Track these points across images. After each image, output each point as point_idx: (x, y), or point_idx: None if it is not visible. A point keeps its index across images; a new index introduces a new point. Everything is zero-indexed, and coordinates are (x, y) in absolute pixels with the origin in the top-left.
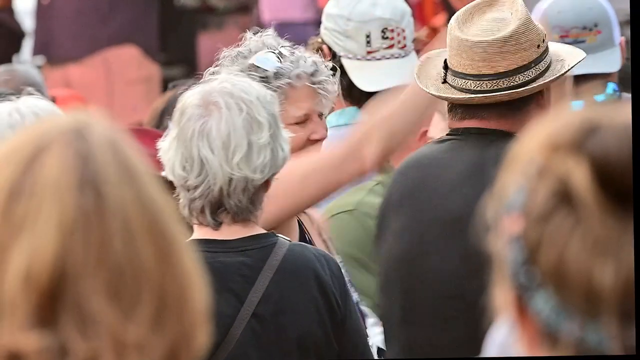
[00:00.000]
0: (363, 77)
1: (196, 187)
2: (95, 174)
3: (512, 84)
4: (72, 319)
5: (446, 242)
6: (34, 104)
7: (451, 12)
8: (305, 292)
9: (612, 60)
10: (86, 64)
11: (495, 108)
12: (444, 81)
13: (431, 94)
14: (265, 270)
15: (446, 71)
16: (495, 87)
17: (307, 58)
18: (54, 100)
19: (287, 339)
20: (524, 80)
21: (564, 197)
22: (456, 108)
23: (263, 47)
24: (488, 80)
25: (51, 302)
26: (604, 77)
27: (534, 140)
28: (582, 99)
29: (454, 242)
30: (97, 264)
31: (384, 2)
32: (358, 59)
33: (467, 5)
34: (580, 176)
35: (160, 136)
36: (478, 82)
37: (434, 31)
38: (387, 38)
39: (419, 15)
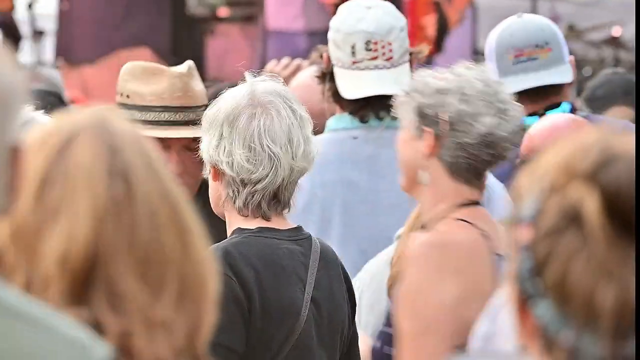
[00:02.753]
0: (346, 84)
1: (260, 181)
2: (124, 164)
3: None
4: (104, 298)
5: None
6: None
7: (441, 14)
8: (339, 281)
9: (564, 73)
10: (101, 66)
11: None
12: None
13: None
14: (313, 259)
15: None
16: None
17: None
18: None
19: (334, 324)
20: None
21: (574, 219)
22: None
23: None
24: None
25: (84, 282)
26: (557, 93)
27: (553, 160)
28: (536, 114)
29: None
30: (126, 247)
31: (370, 17)
32: (345, 68)
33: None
34: (591, 205)
35: None
36: None
37: (421, 30)
38: (370, 50)
39: (411, 15)
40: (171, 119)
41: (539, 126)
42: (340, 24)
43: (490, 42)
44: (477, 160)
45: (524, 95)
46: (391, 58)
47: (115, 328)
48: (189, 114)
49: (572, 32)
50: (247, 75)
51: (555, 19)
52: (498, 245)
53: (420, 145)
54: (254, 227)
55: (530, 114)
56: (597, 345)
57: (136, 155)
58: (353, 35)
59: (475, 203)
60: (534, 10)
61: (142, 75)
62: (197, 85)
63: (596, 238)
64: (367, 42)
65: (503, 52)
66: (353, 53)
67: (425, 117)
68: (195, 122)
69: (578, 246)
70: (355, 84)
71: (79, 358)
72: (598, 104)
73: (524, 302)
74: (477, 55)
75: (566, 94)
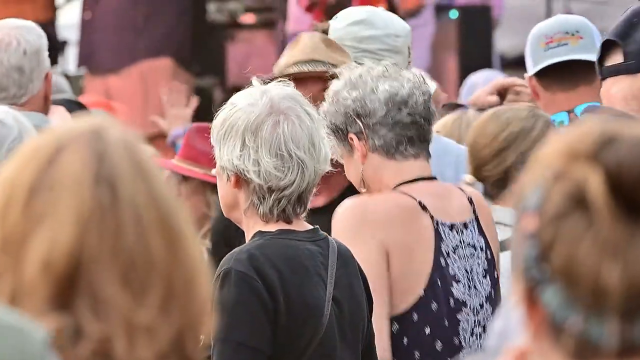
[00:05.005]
0: None
1: (287, 187)
2: (111, 170)
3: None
4: (86, 303)
5: None
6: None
7: (390, 2)
8: (357, 279)
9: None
10: (124, 75)
11: None
12: None
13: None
14: (331, 259)
15: None
16: None
17: None
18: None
19: (355, 321)
20: None
21: (579, 201)
22: None
23: None
24: None
25: (68, 287)
26: (591, 93)
27: (555, 146)
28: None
29: None
30: (110, 253)
31: (382, 19)
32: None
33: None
34: (595, 183)
35: None
36: None
37: None
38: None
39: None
40: (299, 70)
41: None
42: (396, 30)
43: (527, 41)
44: (402, 127)
45: (559, 89)
46: None
47: (96, 333)
48: (317, 65)
49: None
50: (255, 80)
51: None
52: (436, 212)
53: (356, 156)
54: (274, 230)
55: (560, 112)
56: (605, 328)
57: (125, 161)
58: (408, 36)
59: (420, 179)
60: (548, 7)
61: (287, 51)
62: (335, 50)
63: (601, 217)
64: (412, 42)
65: (535, 43)
66: (409, 54)
67: (343, 127)
68: (325, 74)
69: (584, 227)
70: None
71: (17, 343)
72: None
73: (531, 292)
74: (492, 53)
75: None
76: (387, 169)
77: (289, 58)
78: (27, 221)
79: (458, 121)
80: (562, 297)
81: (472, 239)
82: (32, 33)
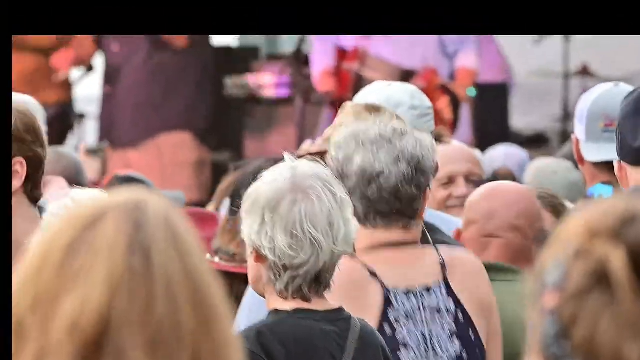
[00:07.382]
0: None
1: (302, 266)
2: (146, 240)
3: None
4: None
5: None
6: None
7: (452, 95)
8: None
9: None
10: (142, 149)
11: None
12: None
13: None
14: (350, 340)
15: None
16: None
17: None
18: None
19: None
20: None
21: (600, 278)
22: None
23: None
24: None
25: (94, 350)
26: None
27: (576, 224)
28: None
29: None
30: (139, 320)
31: (384, 91)
32: None
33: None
34: (617, 260)
35: (214, 218)
36: None
37: (438, 114)
38: None
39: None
40: None
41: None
42: (357, 98)
43: (583, 105)
44: (370, 201)
45: (604, 165)
46: None
47: None
48: None
49: None
50: (287, 156)
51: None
52: (390, 279)
53: None
54: (289, 309)
55: (605, 183)
56: None
57: (161, 233)
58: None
59: (388, 245)
60: (565, 86)
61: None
62: (382, 117)
63: (623, 294)
64: None
65: (595, 118)
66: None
67: None
68: None
69: (605, 304)
70: None
71: None
72: None
73: None
74: (510, 133)
75: None
76: (358, 233)
77: (329, 130)
78: (59, 282)
79: None
80: None
81: (438, 302)
82: None
